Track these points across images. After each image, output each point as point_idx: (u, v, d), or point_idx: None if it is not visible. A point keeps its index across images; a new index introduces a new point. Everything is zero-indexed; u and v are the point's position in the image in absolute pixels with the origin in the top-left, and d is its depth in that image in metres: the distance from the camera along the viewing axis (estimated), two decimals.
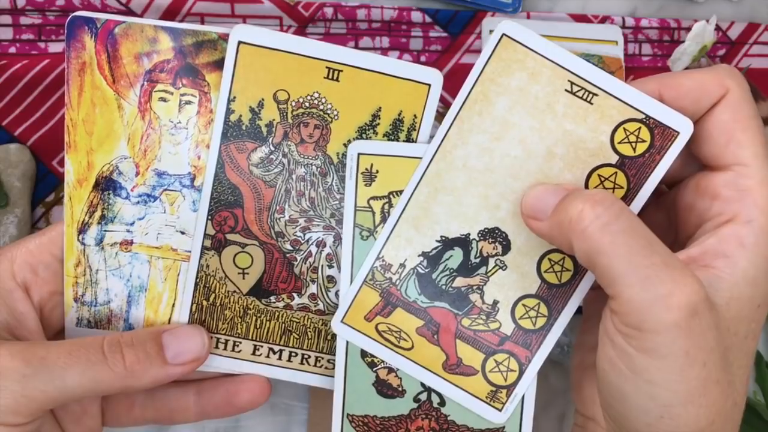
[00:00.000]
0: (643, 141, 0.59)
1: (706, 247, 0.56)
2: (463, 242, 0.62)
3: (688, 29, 0.86)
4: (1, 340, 0.59)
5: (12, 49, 0.79)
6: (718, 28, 0.88)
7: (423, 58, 0.84)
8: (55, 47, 0.80)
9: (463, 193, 0.61)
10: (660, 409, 0.53)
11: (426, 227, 0.62)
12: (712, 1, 0.89)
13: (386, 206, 0.63)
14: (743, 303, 0.54)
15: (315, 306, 0.65)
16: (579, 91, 0.59)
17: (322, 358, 0.66)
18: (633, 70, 0.86)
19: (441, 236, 0.62)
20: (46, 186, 0.80)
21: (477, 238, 0.62)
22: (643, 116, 0.59)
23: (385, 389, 0.65)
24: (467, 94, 0.61)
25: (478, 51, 0.70)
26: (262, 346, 0.66)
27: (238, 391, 0.66)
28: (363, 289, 0.64)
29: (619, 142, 0.59)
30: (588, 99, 0.59)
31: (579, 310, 0.66)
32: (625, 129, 0.59)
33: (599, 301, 0.57)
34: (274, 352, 0.66)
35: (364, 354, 0.65)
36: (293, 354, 0.66)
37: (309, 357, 0.66)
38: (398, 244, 0.63)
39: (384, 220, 0.63)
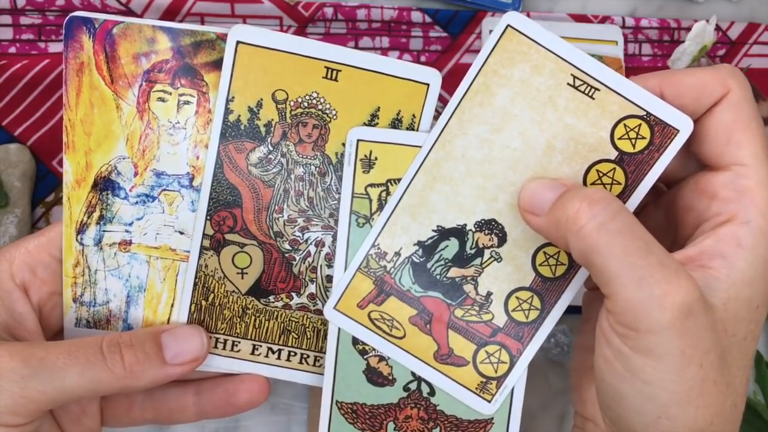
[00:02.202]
0: (643, 138, 0.59)
1: (703, 247, 0.55)
2: (459, 233, 0.62)
3: (688, 29, 0.86)
4: (0, 340, 0.59)
5: (12, 49, 0.79)
6: (718, 28, 0.88)
7: (423, 58, 0.84)
8: (55, 47, 0.80)
9: (461, 183, 0.61)
10: (657, 409, 0.52)
11: (423, 216, 0.62)
12: (712, 1, 0.89)
13: (383, 194, 0.63)
14: (741, 304, 0.54)
15: (314, 306, 0.65)
16: (581, 85, 0.59)
17: (321, 358, 0.66)
18: (633, 70, 0.86)
19: (437, 226, 0.62)
20: (46, 186, 0.80)
21: (473, 229, 0.62)
22: (644, 113, 0.58)
23: (375, 377, 0.65)
24: (469, 84, 0.60)
25: (478, 51, 0.70)
26: (261, 346, 0.66)
27: (237, 391, 0.66)
28: (357, 276, 0.64)
29: (619, 138, 0.59)
30: (590, 94, 0.59)
31: (578, 310, 0.67)
32: (625, 125, 0.59)
33: (598, 302, 0.57)
34: (273, 352, 0.66)
35: (355, 341, 0.65)
36: (292, 353, 0.66)
37: (308, 356, 0.66)
38: (394, 232, 0.63)
39: (381, 207, 0.63)
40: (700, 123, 0.58)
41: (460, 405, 0.65)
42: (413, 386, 0.65)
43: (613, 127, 0.59)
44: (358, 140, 0.63)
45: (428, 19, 0.84)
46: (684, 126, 0.58)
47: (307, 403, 0.83)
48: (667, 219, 0.63)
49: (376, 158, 0.63)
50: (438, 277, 0.63)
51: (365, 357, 0.65)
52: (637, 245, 0.51)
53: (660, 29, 0.87)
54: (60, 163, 0.80)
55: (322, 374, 0.66)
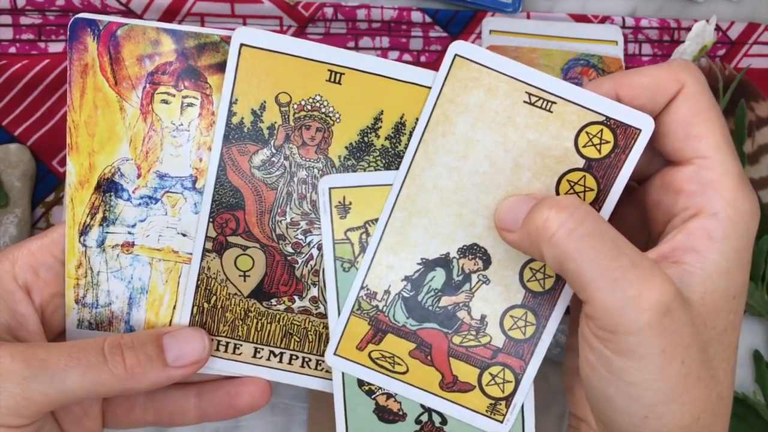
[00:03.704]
0: (607, 142, 0.59)
1: (675, 243, 0.56)
2: (444, 262, 0.63)
3: (688, 29, 0.86)
4: (1, 341, 0.59)
5: (12, 49, 0.79)
6: (718, 28, 0.88)
7: (423, 58, 0.84)
8: (55, 47, 0.79)
9: (437, 213, 0.62)
10: (643, 409, 0.53)
11: (405, 252, 0.63)
12: (712, 1, 0.89)
13: (364, 236, 0.64)
14: (718, 296, 0.55)
15: (316, 309, 0.65)
16: (537, 101, 0.60)
17: (323, 362, 0.66)
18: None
19: (421, 258, 0.63)
20: (46, 186, 0.80)
21: (457, 256, 0.62)
22: (604, 118, 0.59)
23: (386, 415, 0.66)
24: (428, 117, 0.61)
25: None
26: (262, 349, 0.66)
27: (238, 394, 0.66)
28: (351, 319, 0.64)
29: (584, 146, 0.60)
30: (547, 108, 0.60)
31: (569, 311, 0.67)
32: (587, 132, 0.60)
33: None
34: (275, 355, 0.66)
35: (361, 383, 0.65)
36: (294, 357, 0.66)
37: (310, 360, 0.66)
38: (380, 271, 0.63)
39: (363, 249, 0.64)
40: (659, 120, 0.59)
41: (474, 430, 0.65)
42: (425, 418, 0.66)
43: (575, 136, 0.60)
44: (330, 188, 0.63)
45: (428, 19, 0.84)
46: (645, 124, 0.59)
47: (307, 403, 0.83)
48: (641, 217, 0.63)
49: (350, 203, 0.63)
50: (430, 308, 0.63)
51: (373, 397, 0.65)
52: (608, 247, 0.52)
53: (660, 29, 0.87)
54: (60, 163, 0.80)
55: (324, 378, 0.66)
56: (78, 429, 0.66)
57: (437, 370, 0.64)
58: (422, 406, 0.65)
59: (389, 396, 0.65)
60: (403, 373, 0.64)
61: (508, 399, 0.64)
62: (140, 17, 0.80)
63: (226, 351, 0.66)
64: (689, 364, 0.52)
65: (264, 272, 0.65)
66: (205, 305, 0.65)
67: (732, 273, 0.55)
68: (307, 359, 0.66)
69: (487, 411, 0.64)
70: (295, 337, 0.65)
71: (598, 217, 0.54)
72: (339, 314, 0.64)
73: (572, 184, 0.60)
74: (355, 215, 0.63)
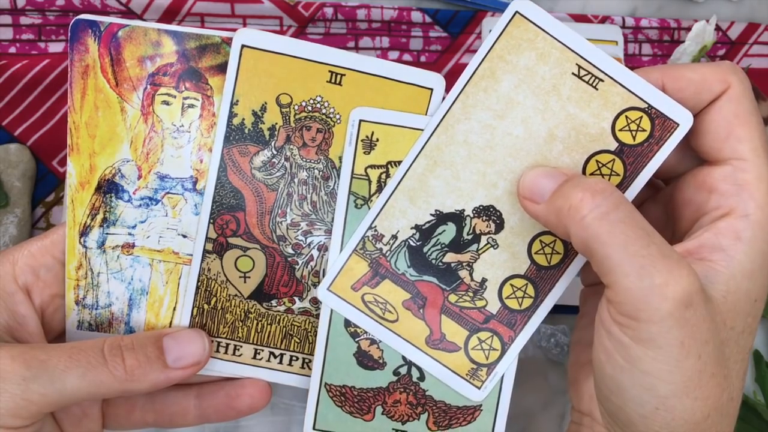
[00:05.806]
0: (644, 130, 0.59)
1: (703, 240, 0.56)
2: (457, 218, 0.62)
3: (688, 29, 0.86)
4: (1, 342, 0.59)
5: (12, 49, 0.79)
6: (718, 28, 0.88)
7: (423, 58, 0.84)
8: (55, 47, 0.79)
9: (461, 168, 0.62)
10: (655, 400, 0.53)
11: (421, 200, 0.62)
12: (712, 1, 0.89)
13: (383, 176, 0.63)
14: (740, 297, 0.55)
15: (316, 310, 0.65)
16: (585, 75, 0.59)
17: None
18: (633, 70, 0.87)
19: (436, 210, 0.62)
20: (46, 186, 0.80)
21: (471, 215, 0.62)
22: (646, 105, 0.59)
23: (366, 360, 0.65)
24: (474, 69, 0.61)
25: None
26: (263, 350, 0.66)
27: (238, 395, 0.66)
28: (352, 257, 0.64)
29: (620, 130, 0.59)
30: (594, 84, 0.59)
31: (575, 310, 0.67)
32: (627, 117, 0.59)
33: (595, 297, 0.57)
34: (275, 356, 0.66)
35: (347, 324, 0.65)
36: (294, 358, 0.66)
37: (310, 361, 0.66)
38: (392, 215, 0.63)
39: (380, 189, 0.63)
40: (699, 118, 0.58)
41: (450, 391, 0.65)
42: (403, 371, 0.65)
43: (614, 118, 0.59)
44: (360, 120, 0.63)
45: (428, 19, 0.84)
46: (684, 120, 0.58)
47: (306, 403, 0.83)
48: (666, 215, 0.63)
49: (377, 139, 0.63)
50: (434, 261, 0.63)
51: (357, 340, 0.65)
52: (639, 235, 0.52)
53: (660, 29, 0.87)
54: (60, 163, 0.80)
55: None
56: (78, 430, 0.66)
57: (426, 325, 0.64)
58: (404, 358, 0.65)
59: (373, 342, 0.65)
60: (393, 321, 0.64)
61: (491, 367, 0.64)
62: (140, 17, 0.80)
63: (226, 352, 0.65)
64: (705, 359, 0.52)
65: (264, 273, 0.65)
66: (205, 306, 0.65)
67: (755, 276, 0.55)
68: (307, 360, 0.66)
69: (467, 375, 0.64)
70: (295, 338, 0.65)
71: (630, 205, 0.53)
72: (341, 250, 0.64)
73: (600, 165, 0.60)
74: (379, 153, 0.63)
